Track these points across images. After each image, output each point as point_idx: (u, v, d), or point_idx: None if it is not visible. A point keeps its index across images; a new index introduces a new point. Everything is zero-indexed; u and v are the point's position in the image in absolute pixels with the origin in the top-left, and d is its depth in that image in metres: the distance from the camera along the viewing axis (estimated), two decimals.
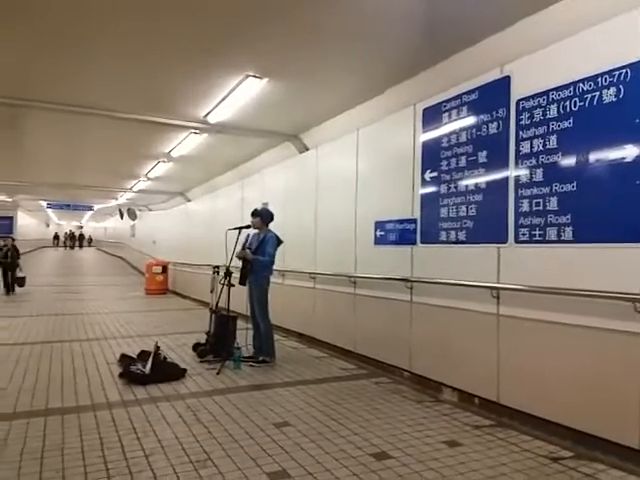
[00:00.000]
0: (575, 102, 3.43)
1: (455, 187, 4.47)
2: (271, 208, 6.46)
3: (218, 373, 5.08)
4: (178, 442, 3.25)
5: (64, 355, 5.87)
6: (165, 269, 14.43)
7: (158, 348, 5.03)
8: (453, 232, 4.45)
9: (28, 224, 32.97)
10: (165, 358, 5.15)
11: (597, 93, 3.28)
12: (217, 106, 6.06)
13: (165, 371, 4.84)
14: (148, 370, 4.74)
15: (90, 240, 46.62)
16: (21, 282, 13.41)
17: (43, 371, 5.10)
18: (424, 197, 4.85)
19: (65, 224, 46.13)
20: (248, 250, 5.68)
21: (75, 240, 44.77)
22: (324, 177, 6.83)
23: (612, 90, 3.19)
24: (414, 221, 4.95)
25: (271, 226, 5.97)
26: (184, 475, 2.77)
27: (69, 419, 3.67)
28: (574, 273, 3.35)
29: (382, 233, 5.47)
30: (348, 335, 5.97)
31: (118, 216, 23.79)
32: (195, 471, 2.83)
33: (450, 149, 4.55)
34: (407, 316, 4.96)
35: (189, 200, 14.48)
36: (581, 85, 3.39)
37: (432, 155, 4.77)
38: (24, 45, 4.47)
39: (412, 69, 4.88)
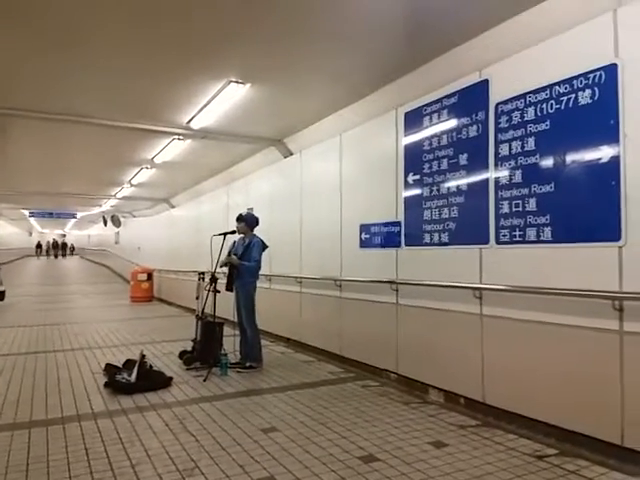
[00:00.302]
0: (552, 104, 3.51)
1: (437, 189, 4.52)
2: (256, 213, 6.47)
3: (205, 380, 5.06)
4: (165, 451, 3.23)
5: (48, 366, 5.79)
6: (150, 276, 14.31)
7: (143, 357, 4.99)
8: (436, 234, 4.50)
9: (10, 233, 32.48)
10: (151, 367, 5.11)
11: (573, 95, 3.36)
12: (200, 112, 6.05)
13: (151, 380, 4.81)
14: (134, 379, 4.70)
15: (72, 248, 45.74)
16: (0, 296, 12.17)
17: (27, 382, 5.03)
18: (407, 200, 4.90)
19: (48, 232, 45.32)
20: (234, 256, 5.67)
21: (58, 249, 43.75)
22: (309, 181, 6.86)
23: (587, 92, 3.27)
24: (398, 224, 4.99)
25: (257, 231, 5.97)
26: None
27: (54, 430, 3.62)
28: (554, 272, 3.41)
29: (367, 236, 5.51)
30: (335, 339, 5.99)
31: (102, 223, 23.54)
32: (182, 479, 2.81)
33: (432, 152, 4.60)
34: (393, 318, 5.00)
35: (173, 206, 14.39)
36: (557, 88, 3.47)
37: (414, 158, 4.82)
38: (6, 52, 4.42)
39: (393, 73, 4.93)
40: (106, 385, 4.80)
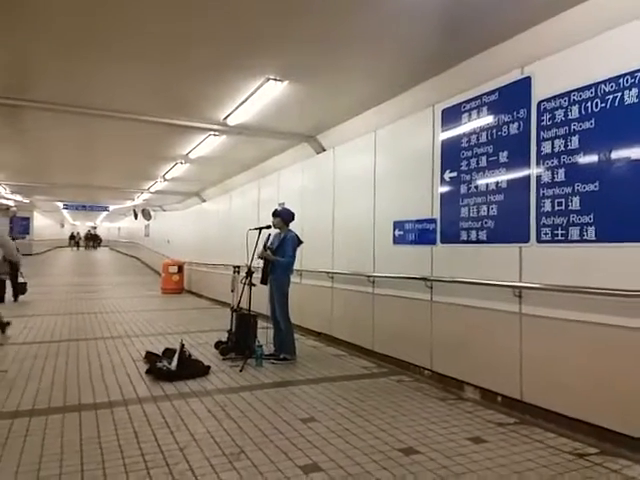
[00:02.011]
0: (597, 103, 3.48)
1: (475, 187, 4.52)
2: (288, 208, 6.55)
3: (241, 370, 5.19)
4: (210, 436, 3.36)
5: (90, 352, 6.03)
6: (181, 269, 14.61)
7: (183, 346, 5.14)
8: (474, 232, 4.50)
9: (44, 225, 33.47)
10: (190, 355, 5.26)
11: (619, 94, 3.32)
12: (237, 108, 6.16)
13: (191, 368, 4.96)
14: (174, 367, 4.86)
15: (100, 240, 46.34)
16: (22, 289, 11.32)
17: (72, 368, 5.24)
18: (444, 197, 4.91)
19: (79, 224, 46.35)
20: (269, 250, 5.78)
21: (90, 240, 44.46)
22: (341, 177, 6.91)
23: (634, 91, 3.23)
24: (434, 221, 5.01)
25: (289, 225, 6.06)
26: (219, 467, 2.87)
27: (103, 414, 3.80)
28: (597, 272, 3.39)
29: (401, 233, 5.54)
30: (367, 334, 6.05)
31: (132, 216, 24.07)
32: (229, 463, 2.93)
33: (470, 149, 4.60)
34: (427, 315, 5.02)
35: (204, 200, 14.63)
36: (602, 86, 3.44)
37: (452, 155, 4.82)
38: (45, 48, 4.59)
39: (431, 70, 4.94)
40: (147, 372, 4.98)
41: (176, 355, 4.96)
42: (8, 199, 19.88)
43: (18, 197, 19.33)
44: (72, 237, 43.75)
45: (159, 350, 5.72)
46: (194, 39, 4.34)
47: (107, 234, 47.24)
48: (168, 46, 4.47)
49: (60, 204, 23.88)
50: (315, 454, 3.09)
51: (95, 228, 48.23)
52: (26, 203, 22.26)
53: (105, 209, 25.71)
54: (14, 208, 24.68)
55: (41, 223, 31.86)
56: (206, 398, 4.22)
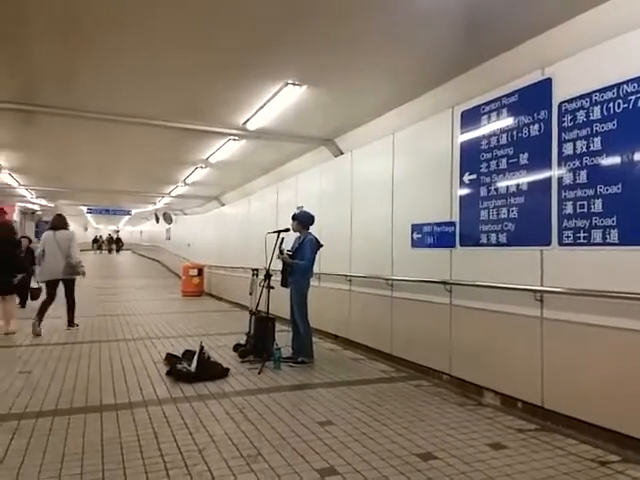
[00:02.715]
0: (619, 104, 3.41)
1: (495, 189, 4.47)
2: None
3: (259, 373, 5.22)
4: (228, 438, 3.38)
5: (112, 354, 6.13)
6: (201, 272, 14.76)
7: (202, 348, 5.19)
8: (494, 235, 4.45)
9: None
10: (209, 357, 5.31)
11: None
12: (256, 113, 6.22)
13: (210, 370, 5.00)
14: (194, 369, 4.91)
15: (122, 244, 46.70)
16: (35, 293, 10.06)
17: (94, 369, 5.34)
18: (463, 200, 4.87)
19: (102, 228, 47.11)
20: (287, 254, 5.80)
21: (113, 244, 45.02)
22: (359, 180, 6.91)
23: None
24: (453, 224, 4.96)
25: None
26: (237, 469, 2.89)
27: (123, 414, 3.85)
28: (621, 275, 3.32)
29: (419, 236, 5.50)
30: (385, 337, 6.02)
31: (154, 220, 24.42)
32: (247, 465, 2.94)
33: (490, 151, 4.56)
34: (446, 319, 4.98)
35: (223, 204, 14.78)
36: (624, 87, 3.37)
37: (471, 157, 4.78)
38: (70, 58, 4.74)
39: (450, 72, 4.91)
40: (168, 374, 5.04)
41: (195, 357, 5.01)
42: (34, 203, 20.35)
43: (43, 201, 19.78)
44: (95, 240, 44.36)
45: (179, 352, 5.78)
46: (213, 46, 4.41)
47: (129, 237, 47.93)
48: (186, 52, 4.55)
49: (84, 208, 24.34)
50: (332, 457, 3.08)
51: (118, 232, 49.01)
52: (51, 207, 22.77)
53: (127, 213, 26.11)
54: (39, 212, 25.25)
55: None
56: (224, 400, 4.25)
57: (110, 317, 9.55)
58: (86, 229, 44.66)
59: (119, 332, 7.85)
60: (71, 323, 8.02)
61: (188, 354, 5.44)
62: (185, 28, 4.08)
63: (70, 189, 15.50)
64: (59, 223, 8.00)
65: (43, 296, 8.04)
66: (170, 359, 5.48)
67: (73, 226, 35.21)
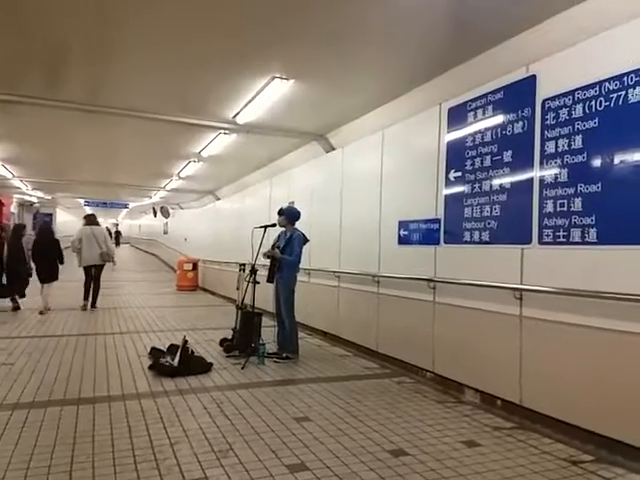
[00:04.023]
0: (601, 102, 3.38)
1: (479, 187, 4.45)
2: (297, 207, 6.55)
3: (243, 368, 5.21)
4: (202, 432, 3.38)
5: (98, 347, 6.12)
6: (195, 266, 14.76)
7: (186, 342, 5.18)
8: (477, 232, 4.43)
9: (66, 221, 34.16)
10: (193, 352, 5.30)
11: (623, 92, 3.23)
12: (245, 107, 6.18)
13: (192, 365, 5.00)
14: (176, 363, 4.90)
15: (119, 237, 46.44)
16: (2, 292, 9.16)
17: (77, 362, 5.33)
18: (448, 197, 4.85)
19: (102, 221, 46.91)
20: (277, 249, 5.79)
21: (111, 237, 44.77)
22: (349, 176, 6.88)
23: (638, 90, 3.14)
24: (438, 221, 4.95)
25: (299, 224, 6.07)
26: (206, 463, 2.89)
27: (100, 408, 3.85)
28: (598, 275, 3.30)
29: (406, 232, 5.49)
30: (371, 334, 6.01)
31: (152, 214, 24.40)
32: (217, 460, 2.94)
33: (475, 149, 4.53)
34: (430, 316, 4.97)
35: (218, 199, 14.75)
36: (607, 84, 3.34)
37: (457, 155, 4.75)
38: (66, 50, 4.70)
39: (438, 68, 4.87)
40: (150, 368, 5.04)
41: (178, 352, 5.00)
42: (31, 195, 20.34)
43: (40, 194, 19.77)
44: None
45: (165, 346, 5.78)
46: (201, 39, 4.36)
47: (128, 231, 47.90)
48: (176, 45, 4.52)
49: (81, 201, 24.33)
50: (304, 453, 3.08)
51: (117, 225, 48.90)
52: (48, 199, 22.76)
53: (125, 206, 26.11)
54: (37, 204, 25.24)
55: (64, 219, 32.52)
56: (204, 395, 4.24)
57: (102, 310, 9.54)
58: None
59: (107, 326, 7.84)
60: (94, 305, 9.57)
61: (173, 348, 5.43)
62: (174, 22, 4.06)
63: (67, 181, 15.47)
64: (93, 220, 10.00)
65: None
66: (154, 353, 5.48)
67: (72, 219, 35.18)
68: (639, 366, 3.05)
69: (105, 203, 24.96)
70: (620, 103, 3.25)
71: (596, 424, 3.28)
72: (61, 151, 10.35)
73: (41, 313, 8.65)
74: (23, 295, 9.33)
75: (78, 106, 6.37)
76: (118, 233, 45.86)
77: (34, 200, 23.16)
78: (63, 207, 29.56)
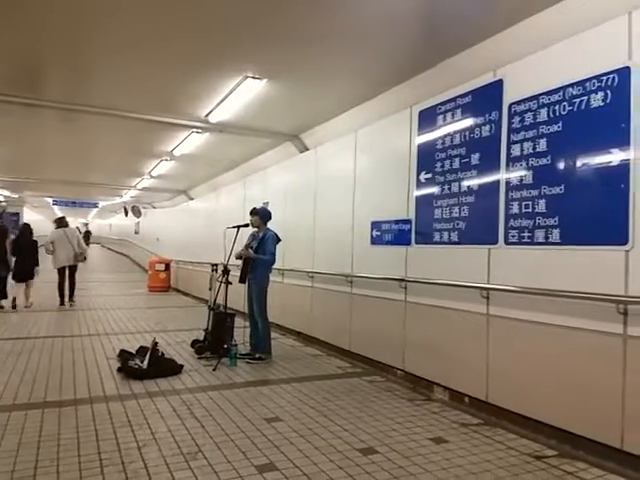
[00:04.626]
0: (564, 106, 3.49)
1: (449, 188, 4.53)
2: (272, 207, 6.55)
3: (214, 369, 5.17)
4: (171, 435, 3.34)
5: (65, 350, 5.98)
6: (168, 266, 14.55)
7: (156, 344, 5.11)
8: (446, 233, 4.51)
9: (34, 220, 33.20)
10: (163, 354, 5.24)
11: (585, 98, 3.34)
12: (217, 106, 6.14)
13: (162, 367, 4.93)
14: (146, 365, 4.83)
15: (88, 237, 45.45)
16: None
17: (43, 365, 5.20)
18: (419, 198, 4.92)
19: (72, 220, 45.83)
20: (250, 249, 5.76)
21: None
22: (323, 177, 6.91)
23: (600, 95, 3.25)
24: (409, 222, 5.01)
25: (272, 224, 6.06)
26: (175, 466, 2.86)
27: (66, 411, 3.77)
28: (561, 274, 3.41)
29: (378, 233, 5.54)
30: (344, 334, 6.04)
31: (123, 213, 23.94)
32: (186, 462, 2.91)
33: (444, 151, 4.61)
34: (401, 316, 5.03)
35: (192, 198, 14.59)
36: (570, 89, 3.45)
37: (427, 157, 4.83)
38: (35, 46, 4.58)
39: (409, 72, 4.94)
40: (119, 370, 4.95)
41: (148, 354, 4.93)
42: None
43: (6, 192, 19.18)
44: None
45: (134, 348, 5.68)
46: (172, 35, 4.30)
47: (98, 231, 46.87)
48: (149, 43, 4.46)
49: (50, 200, 23.70)
50: (273, 453, 3.08)
51: (87, 224, 47.80)
52: (15, 198, 22.10)
53: (95, 205, 25.54)
54: (4, 203, 24.48)
55: (31, 218, 31.61)
56: (173, 397, 4.19)
57: (71, 312, 9.33)
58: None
59: (76, 328, 7.66)
60: (72, 299, 10.11)
61: (142, 350, 5.35)
62: (146, 22, 4.01)
63: (35, 180, 15.05)
64: (64, 222, 10.38)
65: None
66: (123, 355, 5.38)
67: (40, 218, 34.24)
68: (594, 362, 3.17)
69: (74, 202, 24.40)
70: (582, 108, 3.36)
71: (559, 420, 3.38)
72: (29, 149, 10.05)
73: (26, 307, 9.52)
74: (5, 296, 9.47)
75: (48, 104, 6.23)
76: (88, 233, 44.91)
77: (0, 199, 22.46)
78: (31, 206, 28.74)
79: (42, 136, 8.60)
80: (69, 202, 23.93)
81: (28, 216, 29.34)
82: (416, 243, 4.92)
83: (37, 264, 9.75)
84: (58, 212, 37.60)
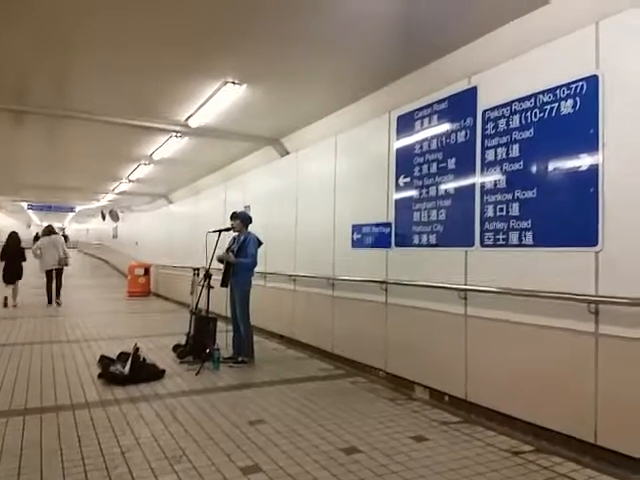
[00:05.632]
0: (535, 113, 3.63)
1: (427, 192, 4.63)
2: (253, 211, 6.59)
3: (197, 374, 5.17)
4: (154, 439, 3.35)
5: (44, 356, 5.91)
6: (147, 271, 14.41)
7: (137, 349, 5.09)
8: (425, 236, 4.61)
9: (8, 225, 32.46)
10: (144, 359, 5.21)
11: (555, 105, 3.48)
12: (198, 110, 6.15)
13: (144, 372, 4.92)
14: (127, 371, 4.81)
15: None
16: None
17: (23, 372, 5.14)
18: (398, 202, 5.01)
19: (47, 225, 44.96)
20: (231, 253, 5.78)
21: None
22: (304, 181, 6.97)
23: (569, 102, 3.39)
24: (389, 225, 5.11)
25: (254, 228, 6.09)
26: (159, 470, 2.88)
27: (48, 418, 3.74)
28: (534, 276, 3.53)
29: (359, 236, 5.62)
30: (327, 336, 6.10)
31: (100, 217, 23.59)
32: (170, 466, 2.93)
33: (422, 156, 4.72)
34: (383, 317, 5.11)
35: (172, 202, 14.49)
36: (541, 97, 3.59)
37: (406, 161, 4.93)
38: (10, 50, 4.53)
39: (387, 77, 5.04)
40: (100, 376, 4.92)
41: (129, 359, 4.91)
42: None
43: None
44: (37, 238, 42.49)
45: (115, 354, 5.64)
46: (152, 41, 4.33)
47: (75, 235, 46.05)
48: (127, 48, 4.47)
49: (25, 204, 23.23)
50: (258, 455, 3.12)
51: (64, 229, 46.92)
52: None
53: (71, 210, 25.17)
54: None
55: (5, 223, 30.91)
56: (156, 402, 4.19)
57: (47, 318, 9.19)
58: (29, 226, 42.56)
59: (54, 334, 7.56)
60: (58, 299, 11.21)
61: (123, 356, 5.30)
62: (125, 26, 4.02)
63: (9, 184, 14.75)
64: (52, 230, 11.71)
65: None
66: (103, 361, 5.34)
67: (15, 223, 33.49)
68: (568, 360, 3.30)
69: (50, 207, 23.99)
70: (553, 115, 3.50)
71: (535, 416, 3.50)
72: (3, 154, 9.88)
73: (14, 306, 10.60)
74: None
75: (23, 108, 6.16)
76: (65, 237, 44.08)
77: None
78: (5, 211, 28.11)
79: (18, 140, 8.47)
80: (44, 206, 23.52)
81: (2, 221, 28.71)
82: (396, 246, 5.01)
83: (22, 269, 10.96)
84: (33, 216, 37.01)
